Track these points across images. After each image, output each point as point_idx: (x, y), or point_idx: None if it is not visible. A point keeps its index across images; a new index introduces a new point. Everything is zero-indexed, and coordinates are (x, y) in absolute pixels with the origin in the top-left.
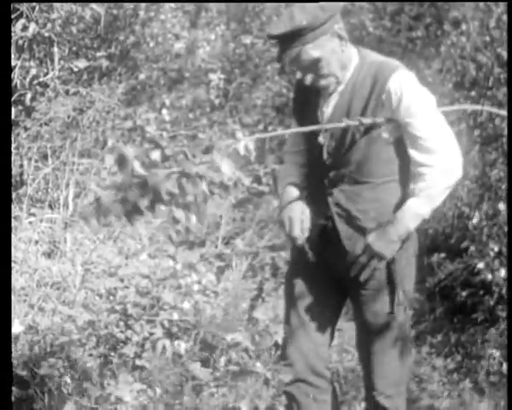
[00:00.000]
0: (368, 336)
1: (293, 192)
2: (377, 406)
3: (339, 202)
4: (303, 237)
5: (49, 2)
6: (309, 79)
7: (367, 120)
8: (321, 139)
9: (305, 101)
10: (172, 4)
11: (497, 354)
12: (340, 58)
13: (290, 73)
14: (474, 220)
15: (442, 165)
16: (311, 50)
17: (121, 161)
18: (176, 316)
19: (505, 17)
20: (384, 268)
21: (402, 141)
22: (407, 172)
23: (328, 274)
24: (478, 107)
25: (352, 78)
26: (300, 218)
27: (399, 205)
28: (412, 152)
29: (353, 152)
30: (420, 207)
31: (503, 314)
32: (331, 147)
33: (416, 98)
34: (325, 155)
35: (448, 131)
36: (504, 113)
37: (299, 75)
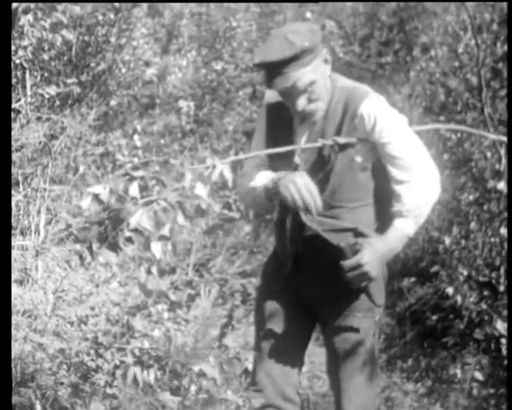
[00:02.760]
0: (337, 361)
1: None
2: None
3: (318, 221)
4: (315, 204)
5: (50, 2)
6: (302, 103)
7: (342, 140)
8: (297, 159)
9: (277, 128)
10: (144, 30)
11: (479, 376)
12: (326, 83)
13: (261, 99)
14: (447, 242)
15: (421, 182)
16: (309, 73)
17: (97, 201)
18: (147, 344)
19: (473, 42)
20: (351, 292)
21: (378, 165)
22: (382, 194)
23: (299, 300)
24: (453, 127)
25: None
26: (305, 183)
27: (372, 226)
28: (392, 170)
29: (329, 179)
30: (407, 227)
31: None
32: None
33: (388, 120)
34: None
35: (423, 150)
36: (493, 136)
37: (271, 99)
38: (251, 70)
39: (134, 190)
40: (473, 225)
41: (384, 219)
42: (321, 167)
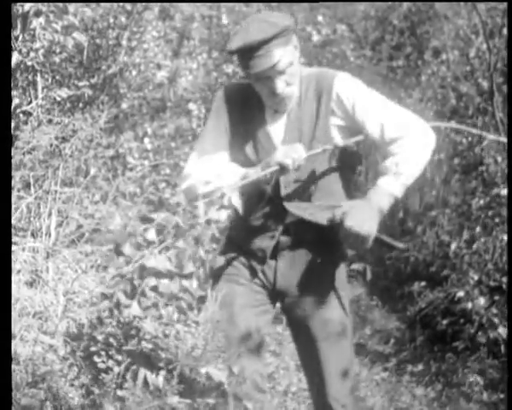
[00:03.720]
0: (317, 346)
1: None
2: None
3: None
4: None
5: (50, 2)
6: (281, 85)
7: (347, 141)
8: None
9: (244, 116)
10: (155, 33)
11: (480, 381)
12: (299, 68)
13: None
14: (453, 246)
15: (412, 137)
16: (289, 53)
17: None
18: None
19: (484, 46)
20: (329, 275)
21: (345, 161)
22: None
23: (266, 293)
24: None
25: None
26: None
27: None
28: (384, 135)
29: (310, 184)
30: (390, 186)
31: (483, 340)
32: (289, 180)
33: (364, 92)
34: (282, 189)
35: (407, 112)
36: (492, 137)
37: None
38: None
39: (152, 235)
40: (480, 229)
41: None
42: (304, 175)
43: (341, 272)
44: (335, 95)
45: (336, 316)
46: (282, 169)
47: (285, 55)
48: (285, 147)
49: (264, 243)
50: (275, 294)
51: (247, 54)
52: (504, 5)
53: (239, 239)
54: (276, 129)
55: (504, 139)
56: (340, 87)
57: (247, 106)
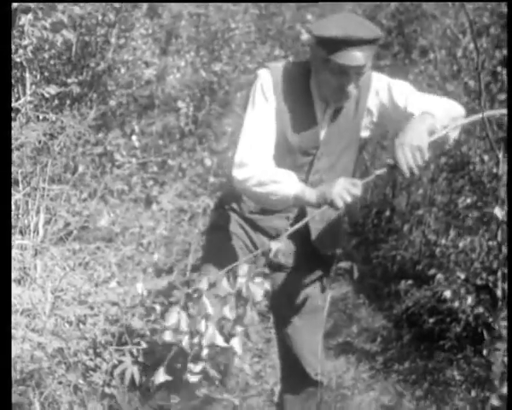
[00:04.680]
0: (300, 318)
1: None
2: (308, 378)
3: None
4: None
5: (50, 2)
6: (354, 85)
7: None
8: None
9: (292, 104)
10: (143, 31)
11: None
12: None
13: None
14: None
15: (444, 102)
16: (371, 61)
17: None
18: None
19: (472, 46)
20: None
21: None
22: None
23: None
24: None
25: None
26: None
27: None
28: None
29: (336, 169)
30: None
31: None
32: (321, 168)
33: (398, 82)
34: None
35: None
36: (504, 111)
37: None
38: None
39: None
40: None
41: None
42: (335, 166)
43: (334, 258)
44: (373, 91)
45: (318, 291)
46: (333, 206)
47: (370, 60)
48: (343, 183)
49: (278, 222)
50: (269, 266)
51: (344, 45)
52: (492, 5)
53: (246, 212)
54: (323, 120)
55: (504, 111)
56: (377, 81)
57: (296, 93)
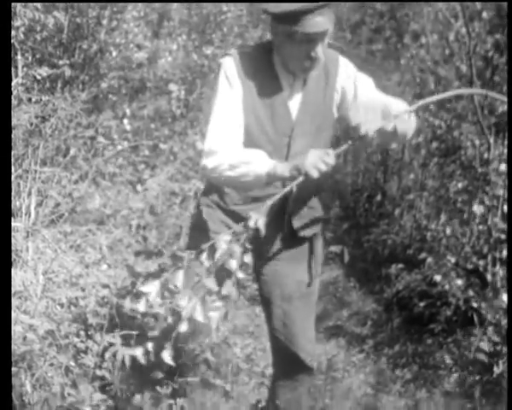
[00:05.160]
0: (292, 304)
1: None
2: (300, 364)
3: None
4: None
5: (50, 2)
6: (321, 51)
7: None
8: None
9: (258, 86)
10: (135, 13)
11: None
12: None
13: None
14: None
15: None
16: (330, 22)
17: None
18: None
19: (464, 30)
20: (308, 242)
21: None
22: None
23: None
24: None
25: None
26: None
27: None
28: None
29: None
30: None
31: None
32: (299, 149)
33: (361, 74)
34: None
35: None
36: (504, 98)
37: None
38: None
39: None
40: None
41: None
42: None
43: (320, 245)
44: (342, 71)
45: (307, 276)
46: (308, 177)
47: (331, 23)
48: (316, 153)
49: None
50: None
51: (305, 14)
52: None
53: (230, 204)
54: (293, 100)
55: (504, 98)
56: (344, 64)
57: (260, 75)
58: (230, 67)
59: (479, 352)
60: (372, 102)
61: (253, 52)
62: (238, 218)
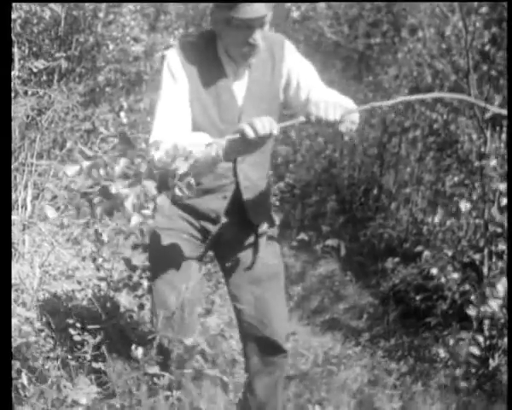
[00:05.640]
0: (262, 286)
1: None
2: (275, 346)
3: (245, 172)
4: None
5: (50, 2)
6: (259, 37)
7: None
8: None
9: (203, 74)
10: (131, 7)
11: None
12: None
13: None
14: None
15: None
16: (271, 11)
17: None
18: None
19: (461, 24)
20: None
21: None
22: None
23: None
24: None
25: None
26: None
27: None
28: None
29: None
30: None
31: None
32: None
33: (306, 62)
34: None
35: None
36: (504, 111)
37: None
38: (217, 5)
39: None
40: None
41: None
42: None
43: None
44: (288, 57)
45: (275, 260)
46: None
47: (270, 10)
48: (259, 117)
49: (215, 203)
50: (214, 245)
51: (238, 0)
52: None
53: (185, 200)
54: (238, 87)
55: (505, 111)
56: (289, 49)
57: (205, 63)
58: (174, 59)
59: (473, 345)
60: (312, 89)
61: (197, 40)
62: (194, 211)
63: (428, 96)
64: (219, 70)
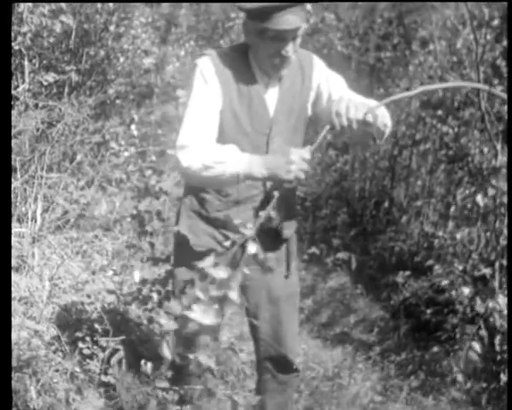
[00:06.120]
0: (280, 306)
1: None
2: (289, 365)
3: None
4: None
5: (50, 2)
6: (292, 49)
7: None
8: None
9: (235, 83)
10: (143, 19)
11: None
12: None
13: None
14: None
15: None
16: (301, 20)
17: None
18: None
19: (472, 37)
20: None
21: None
22: None
23: None
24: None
25: None
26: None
27: None
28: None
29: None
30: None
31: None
32: (277, 148)
33: (334, 74)
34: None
35: None
36: (504, 95)
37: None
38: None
39: None
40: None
41: None
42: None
43: (295, 241)
44: (317, 70)
45: (294, 279)
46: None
47: (303, 23)
48: (291, 154)
49: (244, 216)
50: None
51: (276, 11)
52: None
53: (212, 212)
54: (270, 98)
55: (504, 95)
56: (318, 64)
57: (238, 74)
58: (207, 66)
59: (471, 351)
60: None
61: (230, 52)
62: (220, 224)
63: (450, 85)
64: (252, 80)
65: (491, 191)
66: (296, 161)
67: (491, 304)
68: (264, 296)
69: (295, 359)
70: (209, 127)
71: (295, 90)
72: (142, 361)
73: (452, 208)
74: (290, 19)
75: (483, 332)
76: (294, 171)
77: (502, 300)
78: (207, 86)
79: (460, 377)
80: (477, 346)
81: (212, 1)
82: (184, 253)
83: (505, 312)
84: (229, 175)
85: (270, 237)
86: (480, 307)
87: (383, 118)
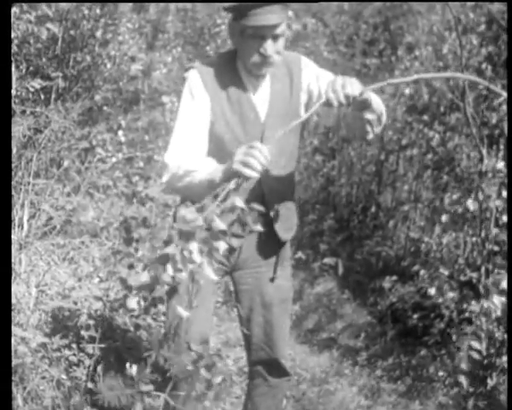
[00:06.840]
0: (272, 311)
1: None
2: (280, 369)
3: (270, 186)
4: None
5: (50, 2)
6: (271, 49)
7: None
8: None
9: (224, 92)
10: (130, 25)
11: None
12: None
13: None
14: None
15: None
16: (284, 25)
17: None
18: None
19: (457, 43)
20: (283, 248)
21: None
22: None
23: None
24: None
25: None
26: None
27: None
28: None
29: (286, 151)
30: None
31: (453, 337)
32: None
33: (322, 70)
34: None
35: None
36: (504, 93)
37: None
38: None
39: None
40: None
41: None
42: (284, 143)
43: (288, 247)
44: (305, 70)
45: (288, 283)
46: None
47: (284, 22)
48: (242, 149)
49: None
50: (232, 267)
51: (253, 8)
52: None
53: None
54: (260, 102)
55: (504, 93)
56: (307, 64)
57: (227, 81)
58: (195, 80)
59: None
60: None
61: (218, 60)
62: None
63: (447, 76)
64: (240, 85)
65: (481, 196)
66: (251, 155)
67: (485, 304)
68: (257, 301)
69: (286, 363)
70: (195, 142)
71: (285, 93)
72: (127, 364)
73: (443, 216)
74: (268, 16)
75: (480, 332)
76: (251, 165)
77: (497, 300)
78: (194, 101)
79: (463, 379)
80: (477, 344)
81: (200, 1)
82: None
83: (499, 313)
84: (198, 182)
85: (269, 239)
86: (475, 306)
87: (378, 105)
